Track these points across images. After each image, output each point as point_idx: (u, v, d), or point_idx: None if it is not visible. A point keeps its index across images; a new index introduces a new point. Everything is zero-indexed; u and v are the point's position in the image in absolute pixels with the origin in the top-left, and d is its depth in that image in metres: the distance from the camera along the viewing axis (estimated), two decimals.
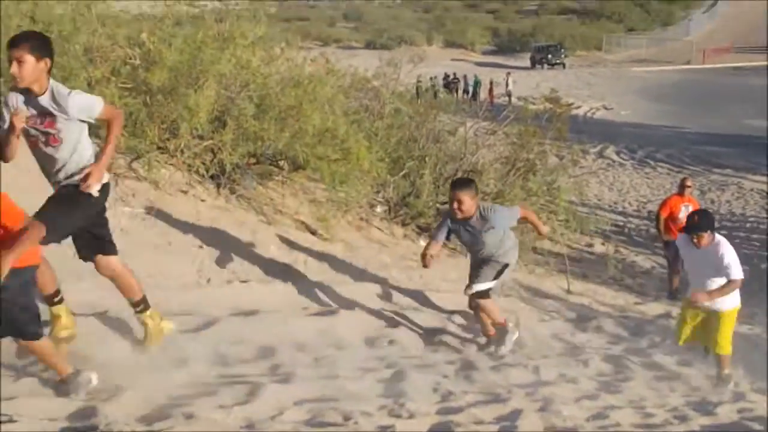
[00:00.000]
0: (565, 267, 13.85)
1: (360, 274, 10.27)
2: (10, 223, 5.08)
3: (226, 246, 9.48)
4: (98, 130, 9.99)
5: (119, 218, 9.06)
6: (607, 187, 27.32)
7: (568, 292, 13.01)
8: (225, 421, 5.17)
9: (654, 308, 12.35)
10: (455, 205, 7.75)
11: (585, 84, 59.92)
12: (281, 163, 11.73)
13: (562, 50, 72.69)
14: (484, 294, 8.13)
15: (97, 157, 5.71)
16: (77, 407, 5.03)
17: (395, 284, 10.24)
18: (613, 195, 25.92)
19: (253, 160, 11.25)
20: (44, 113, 5.49)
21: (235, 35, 10.49)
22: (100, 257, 6.06)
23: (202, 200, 10.39)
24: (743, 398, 7.88)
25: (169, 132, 9.94)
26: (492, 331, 8.54)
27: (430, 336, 8.79)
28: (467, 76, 52.82)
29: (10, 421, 4.60)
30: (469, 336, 9.04)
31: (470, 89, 50.48)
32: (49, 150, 5.60)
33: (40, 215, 5.38)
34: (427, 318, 9.33)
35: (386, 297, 9.71)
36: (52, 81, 5.55)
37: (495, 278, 8.13)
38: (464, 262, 12.93)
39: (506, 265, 8.19)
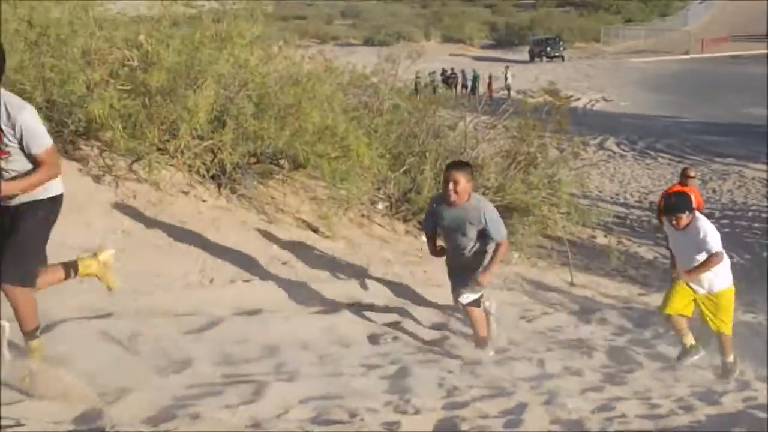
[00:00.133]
0: (567, 259, 13.84)
1: (362, 271, 10.27)
2: None
3: (228, 246, 9.48)
4: (97, 133, 10.06)
5: (121, 220, 9.08)
6: (608, 178, 27.33)
7: (572, 284, 13.02)
8: (230, 421, 5.17)
9: (658, 299, 12.25)
10: (450, 185, 7.57)
11: (584, 76, 59.86)
12: (281, 161, 11.73)
13: (561, 43, 72.61)
14: (475, 303, 8.05)
15: (21, 177, 5.23)
16: (82, 410, 5.03)
17: (398, 280, 10.24)
18: (615, 186, 25.94)
19: (253, 160, 11.25)
20: None
21: (232, 35, 10.48)
22: None
23: (204, 200, 10.40)
24: (748, 387, 7.89)
25: (168, 133, 9.94)
26: (482, 333, 8.31)
27: (434, 331, 8.80)
28: (465, 71, 52.78)
29: (17, 425, 4.60)
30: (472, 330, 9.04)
31: (469, 84, 50.44)
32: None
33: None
34: (430, 313, 9.35)
35: (389, 293, 9.71)
36: (2, 90, 5.09)
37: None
38: None
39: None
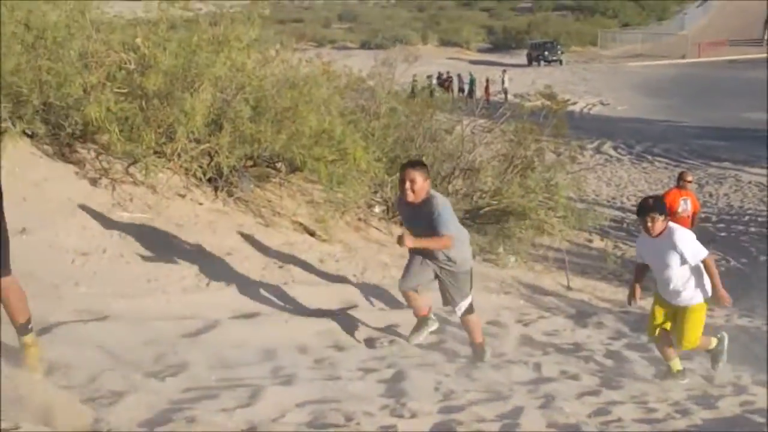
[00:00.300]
0: (564, 263, 13.85)
1: (359, 275, 10.27)
2: None
3: (225, 249, 9.48)
4: (94, 135, 10.05)
5: (118, 223, 9.06)
6: (605, 182, 27.37)
7: (568, 288, 13.04)
8: (227, 425, 5.16)
9: None
10: (407, 185, 7.47)
11: (581, 80, 59.99)
12: (278, 165, 11.73)
13: (559, 47, 72.76)
14: (470, 309, 8.01)
15: None
16: None
17: (395, 284, 10.22)
18: (611, 190, 25.97)
19: (250, 163, 11.25)
20: None
21: (229, 38, 10.48)
22: None
23: (200, 203, 10.39)
24: (745, 391, 7.88)
25: (165, 136, 9.93)
26: (478, 339, 8.25)
27: (430, 335, 8.79)
28: (461, 75, 52.82)
29: (13, 429, 4.59)
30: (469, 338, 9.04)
31: (465, 87, 50.45)
32: None
33: None
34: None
35: (386, 297, 9.71)
36: None
37: (469, 289, 7.99)
38: None
39: (468, 272, 7.96)
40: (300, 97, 10.65)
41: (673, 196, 13.81)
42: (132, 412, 5.14)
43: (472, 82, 50.51)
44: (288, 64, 11.72)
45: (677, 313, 7.99)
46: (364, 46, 74.44)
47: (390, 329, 8.65)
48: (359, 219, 12.65)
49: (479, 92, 48.01)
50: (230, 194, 10.87)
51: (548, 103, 19.61)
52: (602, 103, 49.71)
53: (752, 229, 20.16)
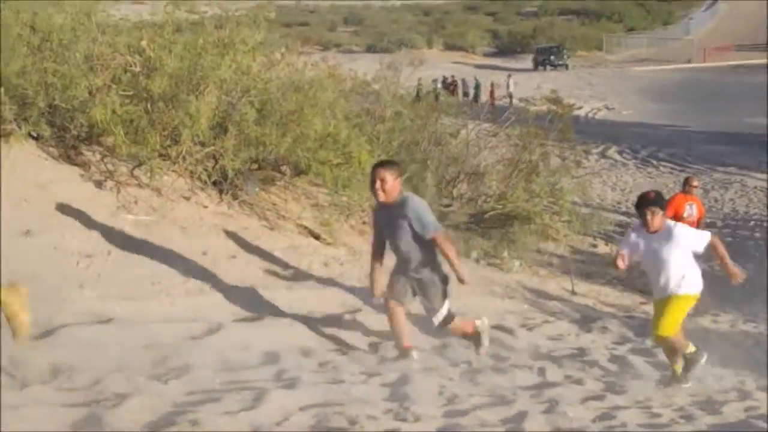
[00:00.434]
0: (569, 268, 13.84)
1: (364, 279, 10.24)
2: None
3: (229, 252, 9.48)
4: (99, 138, 10.06)
5: (122, 225, 9.07)
6: (610, 187, 27.34)
7: (573, 293, 13.02)
8: (230, 428, 5.15)
9: None
10: (377, 184, 7.34)
11: (586, 84, 59.96)
12: (283, 168, 11.73)
13: (565, 52, 72.63)
14: (449, 318, 7.79)
15: None
16: (82, 415, 5.02)
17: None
18: (616, 195, 25.95)
19: (255, 166, 11.25)
20: None
21: (235, 41, 10.49)
22: None
23: (205, 206, 10.39)
24: (749, 396, 7.85)
25: (170, 139, 9.93)
26: (469, 328, 8.20)
27: (435, 339, 8.78)
28: (465, 79, 52.79)
29: (16, 430, 4.59)
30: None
31: (470, 92, 50.42)
32: None
33: None
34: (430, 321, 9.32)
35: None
36: None
37: (445, 297, 7.71)
38: (468, 266, 12.95)
39: (445, 279, 7.66)
40: (305, 101, 10.66)
41: (678, 201, 13.80)
42: (135, 415, 5.13)
43: (477, 87, 50.49)
44: (293, 67, 11.72)
45: (666, 303, 7.83)
46: (370, 49, 74.39)
47: None
48: (364, 222, 12.63)
49: (484, 96, 48.01)
50: (235, 197, 10.87)
51: (554, 107, 19.58)
52: (607, 108, 49.71)
53: (757, 234, 20.13)
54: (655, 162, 31.64)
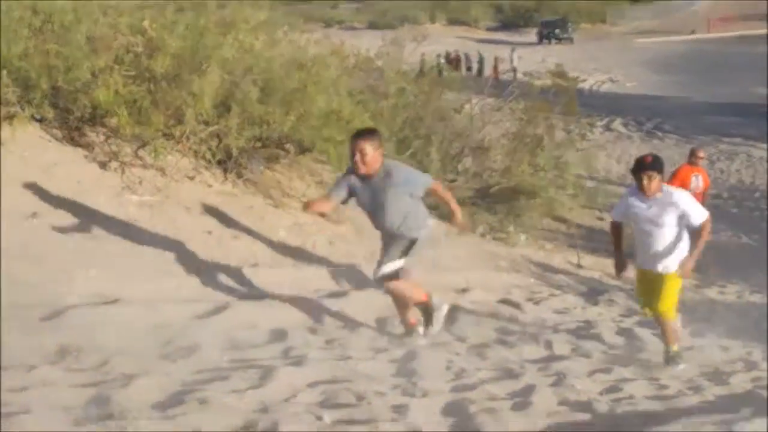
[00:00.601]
0: (574, 241, 13.83)
1: (369, 255, 10.25)
2: None
3: (234, 231, 9.49)
4: (103, 119, 10.05)
5: (127, 206, 9.08)
6: (615, 159, 27.27)
7: (579, 266, 13.02)
8: (238, 406, 5.17)
9: None
10: (357, 156, 6.91)
11: (590, 57, 59.64)
12: (287, 146, 11.72)
13: (570, 25, 72.23)
14: (393, 275, 7.27)
15: None
16: (91, 396, 5.04)
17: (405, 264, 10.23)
18: (622, 168, 25.84)
19: (259, 144, 11.23)
20: None
21: (237, 20, 10.47)
22: None
23: (209, 185, 10.40)
24: (756, 367, 7.86)
25: (174, 118, 9.93)
26: (412, 319, 7.69)
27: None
28: (468, 54, 52.58)
29: (24, 412, 4.62)
30: (480, 312, 9.05)
31: (474, 66, 50.23)
32: None
33: None
34: (437, 296, 9.32)
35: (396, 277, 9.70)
36: None
37: (402, 256, 7.25)
38: (474, 240, 12.97)
39: (414, 241, 7.21)
40: (308, 78, 10.65)
41: (685, 173, 13.78)
42: (144, 395, 5.16)
43: (480, 61, 50.28)
44: (296, 45, 11.69)
45: (655, 281, 7.66)
46: (372, 26, 74.11)
47: None
48: None
49: (488, 71, 47.80)
50: (239, 176, 10.87)
51: (558, 80, 19.52)
52: (612, 80, 49.55)
53: (763, 206, 20.10)
54: (660, 134, 31.55)
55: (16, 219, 7.82)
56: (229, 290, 8.05)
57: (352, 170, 7.12)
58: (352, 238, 10.73)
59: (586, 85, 44.16)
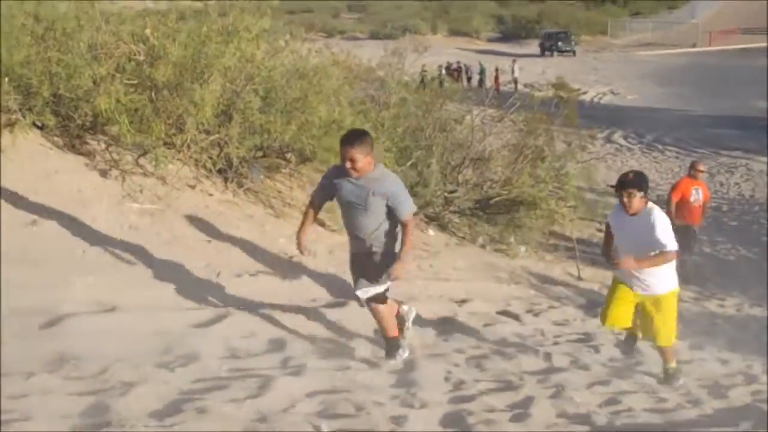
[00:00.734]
0: (574, 253, 13.83)
1: None
2: None
3: (234, 240, 9.49)
4: (104, 127, 10.06)
5: (128, 214, 9.08)
6: (615, 172, 27.16)
7: (579, 278, 13.01)
8: (237, 415, 5.17)
9: None
10: (348, 164, 6.64)
11: (591, 69, 59.77)
12: (288, 155, 11.73)
13: (573, 38, 72.18)
14: (380, 298, 7.10)
15: None
16: (89, 404, 5.04)
17: (405, 274, 10.22)
18: None
19: (260, 154, 11.25)
20: None
21: (239, 29, 10.47)
22: None
23: (210, 194, 10.40)
24: (755, 380, 7.87)
25: (175, 127, 9.94)
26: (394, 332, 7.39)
27: (441, 325, 8.79)
28: (468, 65, 52.62)
29: (24, 419, 4.61)
30: (479, 324, 9.04)
31: (475, 77, 50.27)
32: None
33: None
34: (437, 307, 9.33)
35: (395, 287, 9.70)
36: None
37: (388, 279, 6.98)
38: (473, 251, 12.97)
39: (388, 263, 6.90)
40: (310, 88, 10.65)
41: (685, 185, 13.82)
42: (142, 403, 5.15)
43: (481, 72, 50.33)
44: (297, 54, 11.70)
45: (645, 304, 7.53)
46: (374, 36, 74.25)
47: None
48: None
49: (489, 82, 47.86)
50: (240, 185, 10.87)
51: (559, 92, 19.54)
52: (612, 92, 49.56)
53: (763, 219, 20.09)
54: (660, 146, 31.56)
55: (16, 226, 7.83)
56: (228, 299, 8.04)
57: (337, 170, 7.01)
58: None
59: (587, 97, 44.18)
